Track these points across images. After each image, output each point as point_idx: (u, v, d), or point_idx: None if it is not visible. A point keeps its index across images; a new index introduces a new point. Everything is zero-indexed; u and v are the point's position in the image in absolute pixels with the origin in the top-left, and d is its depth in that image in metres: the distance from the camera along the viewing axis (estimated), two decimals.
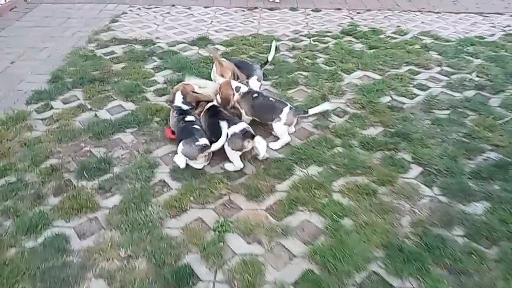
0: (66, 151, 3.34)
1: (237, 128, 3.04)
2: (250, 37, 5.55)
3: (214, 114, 3.27)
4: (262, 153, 3.10)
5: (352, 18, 6.43)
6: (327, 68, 4.70)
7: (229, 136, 3.01)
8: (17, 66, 4.77)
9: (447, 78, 4.49)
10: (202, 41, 5.41)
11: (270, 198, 2.85)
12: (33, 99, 4.04)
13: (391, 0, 7.28)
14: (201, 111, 3.40)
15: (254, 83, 3.94)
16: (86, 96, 4.11)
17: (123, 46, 5.23)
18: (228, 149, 3.05)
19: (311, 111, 3.47)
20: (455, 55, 5.01)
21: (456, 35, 5.73)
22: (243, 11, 6.75)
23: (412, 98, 4.09)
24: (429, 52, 5.15)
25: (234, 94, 3.42)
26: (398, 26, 6.05)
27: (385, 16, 6.53)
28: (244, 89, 3.46)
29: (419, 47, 5.28)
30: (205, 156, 3.08)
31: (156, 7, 6.79)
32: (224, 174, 3.09)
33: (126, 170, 3.11)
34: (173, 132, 3.45)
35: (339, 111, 3.88)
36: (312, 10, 6.79)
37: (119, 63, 4.80)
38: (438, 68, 4.72)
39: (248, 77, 3.96)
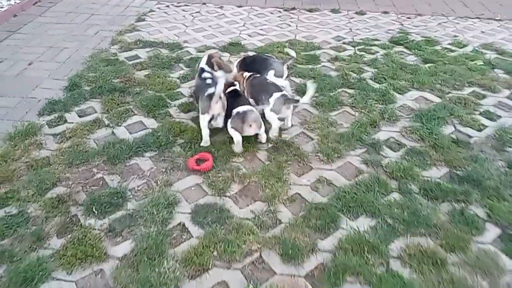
0: (76, 177, 2.93)
1: (241, 109, 3.07)
2: (287, 44, 4.99)
3: (233, 96, 3.28)
4: (262, 139, 3.23)
5: (401, 24, 5.75)
6: (376, 85, 4.08)
7: (233, 115, 3.08)
8: (34, 68, 4.41)
9: None
10: (234, 47, 4.89)
11: (311, 261, 2.33)
12: (46, 110, 3.65)
13: (444, 4, 6.52)
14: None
15: (271, 79, 3.56)
16: (104, 108, 3.69)
17: (148, 49, 4.78)
18: (228, 126, 3.10)
19: (303, 100, 3.26)
20: None
21: None
22: (279, 12, 6.17)
23: (480, 130, 3.44)
24: (494, 70, 4.44)
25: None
26: (455, 36, 5.33)
27: (439, 23, 5.80)
28: (247, 74, 3.52)
29: (482, 63, 4.56)
30: (216, 103, 3.08)
31: (185, 5, 6.30)
32: (254, 221, 2.59)
33: (141, 208, 2.67)
34: (197, 163, 2.99)
35: (393, 143, 3.29)
36: (356, 13, 6.14)
37: (143, 69, 4.35)
38: (507, 92, 4.02)
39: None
